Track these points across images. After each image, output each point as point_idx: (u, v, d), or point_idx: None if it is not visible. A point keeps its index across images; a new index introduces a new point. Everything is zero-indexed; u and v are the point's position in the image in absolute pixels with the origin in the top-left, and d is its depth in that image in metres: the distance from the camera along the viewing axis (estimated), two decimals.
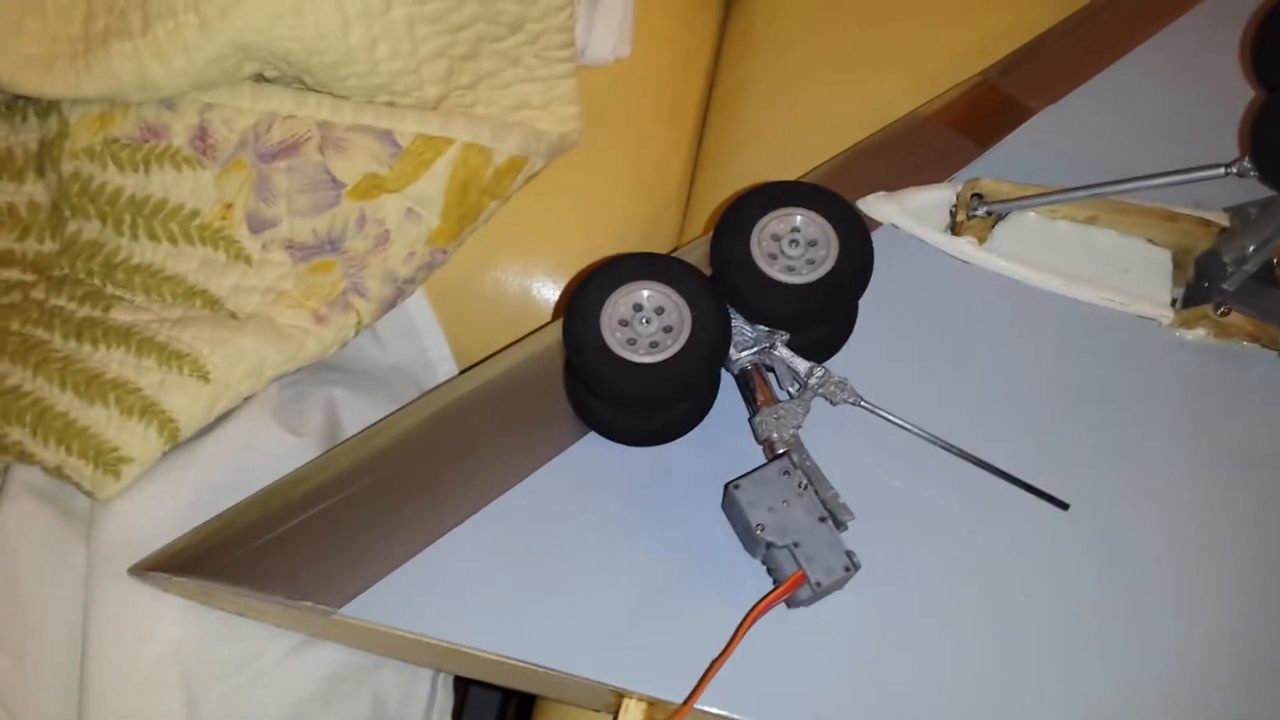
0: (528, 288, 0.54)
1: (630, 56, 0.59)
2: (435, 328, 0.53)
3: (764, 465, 0.39)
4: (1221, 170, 0.45)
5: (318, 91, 0.49)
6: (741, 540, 0.39)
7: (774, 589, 0.37)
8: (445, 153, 0.49)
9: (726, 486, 0.39)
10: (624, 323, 0.39)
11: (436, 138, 0.49)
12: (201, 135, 0.48)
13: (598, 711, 0.44)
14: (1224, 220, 0.46)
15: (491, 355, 0.46)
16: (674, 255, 0.42)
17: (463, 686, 0.54)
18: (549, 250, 0.55)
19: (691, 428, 0.42)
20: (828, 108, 0.58)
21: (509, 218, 0.53)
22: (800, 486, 0.38)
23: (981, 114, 0.52)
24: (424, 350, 0.53)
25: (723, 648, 0.37)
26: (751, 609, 0.37)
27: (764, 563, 0.39)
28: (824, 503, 0.38)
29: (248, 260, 0.48)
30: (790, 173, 0.51)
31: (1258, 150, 0.43)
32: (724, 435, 0.42)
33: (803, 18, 0.62)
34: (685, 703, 0.36)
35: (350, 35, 0.47)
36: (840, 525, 0.38)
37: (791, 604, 0.38)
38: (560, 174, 0.54)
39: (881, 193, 0.48)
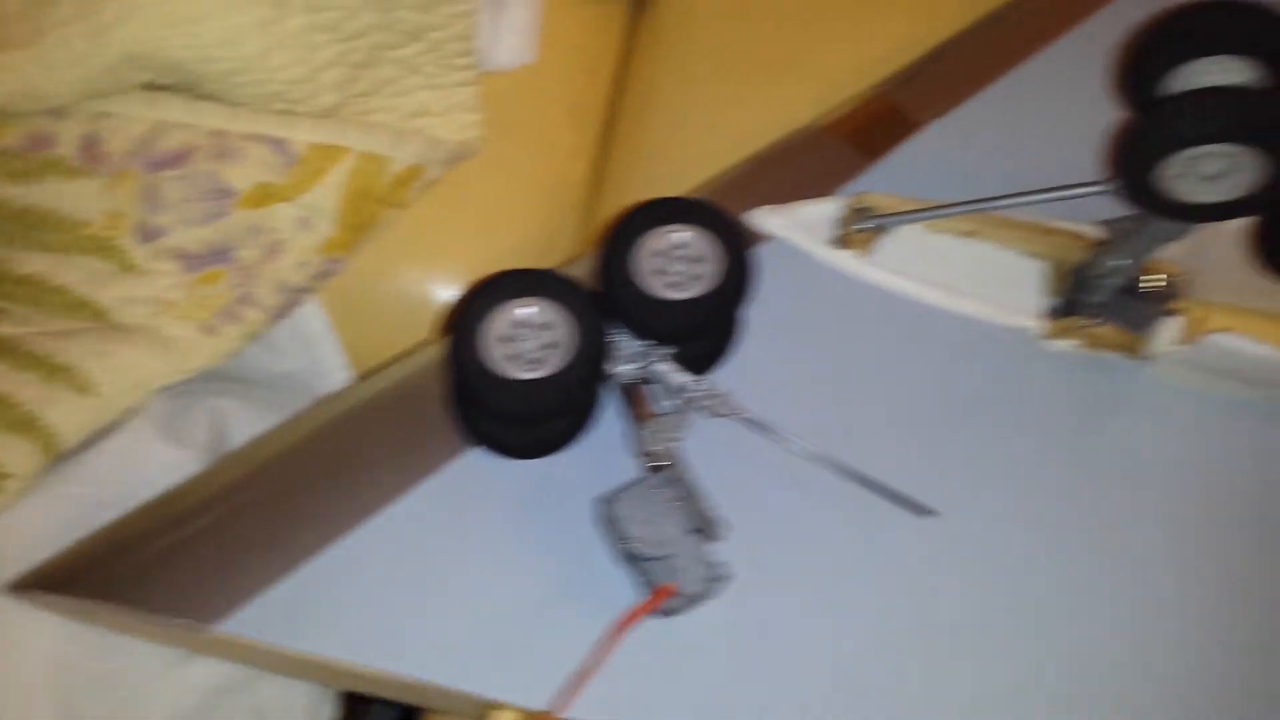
0: (427, 295, 0.54)
1: (535, 63, 0.59)
2: (329, 335, 0.53)
3: (640, 479, 0.40)
4: (1099, 186, 0.46)
5: (211, 100, 0.49)
6: (616, 552, 0.40)
7: (643, 601, 0.38)
8: (340, 161, 0.49)
9: (602, 500, 0.40)
10: (506, 339, 0.40)
11: (331, 146, 0.49)
12: (90, 144, 0.48)
13: None
14: (1098, 234, 0.48)
15: (380, 366, 0.47)
16: (560, 271, 0.42)
17: (361, 698, 0.54)
18: (449, 257, 0.55)
19: (572, 441, 0.43)
20: (735, 115, 0.58)
21: (409, 224, 0.53)
22: (675, 499, 0.39)
23: (875, 126, 0.53)
24: (317, 359, 0.52)
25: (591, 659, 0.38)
26: (617, 621, 0.38)
27: (638, 574, 0.40)
28: (699, 515, 0.39)
29: (136, 270, 0.47)
30: (695, 180, 0.52)
31: (1118, 169, 0.44)
32: (606, 448, 0.43)
33: (712, 24, 0.62)
34: (548, 713, 0.37)
35: (245, 44, 0.47)
36: (715, 537, 0.39)
37: (666, 613, 0.39)
38: (463, 180, 0.54)
39: (770, 206, 0.49)
